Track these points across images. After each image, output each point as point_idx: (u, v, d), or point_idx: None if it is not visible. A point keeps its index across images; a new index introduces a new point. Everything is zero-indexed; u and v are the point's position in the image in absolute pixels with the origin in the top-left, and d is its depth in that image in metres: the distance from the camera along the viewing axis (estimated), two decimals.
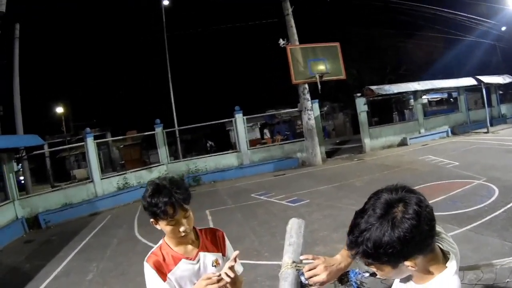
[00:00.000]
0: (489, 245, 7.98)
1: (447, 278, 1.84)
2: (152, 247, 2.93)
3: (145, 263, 2.83)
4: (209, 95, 48.06)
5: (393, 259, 1.76)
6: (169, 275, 2.80)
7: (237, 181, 23.04)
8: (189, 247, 2.94)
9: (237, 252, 2.66)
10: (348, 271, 2.34)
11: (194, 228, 3.02)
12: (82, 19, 44.69)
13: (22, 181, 24.23)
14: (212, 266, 2.96)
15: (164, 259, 2.84)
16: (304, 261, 2.33)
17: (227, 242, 3.20)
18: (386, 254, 1.72)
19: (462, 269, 1.98)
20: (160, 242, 2.97)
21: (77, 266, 11.26)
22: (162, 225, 2.75)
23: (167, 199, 2.64)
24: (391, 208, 1.75)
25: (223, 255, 3.10)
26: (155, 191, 2.69)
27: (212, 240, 3.10)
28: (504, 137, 24.73)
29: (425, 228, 1.72)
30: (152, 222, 2.81)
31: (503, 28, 42.52)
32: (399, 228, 1.69)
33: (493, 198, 11.32)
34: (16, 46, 23.37)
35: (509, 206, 10.37)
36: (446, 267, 1.88)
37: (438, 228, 1.95)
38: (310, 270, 2.26)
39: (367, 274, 2.25)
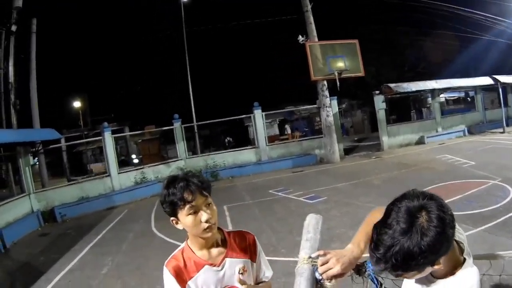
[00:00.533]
0: (502, 246, 7.97)
1: (469, 270, 1.91)
2: (169, 242, 2.82)
3: (164, 267, 2.64)
4: (228, 91, 48.07)
5: (422, 267, 1.78)
6: (189, 282, 2.61)
7: (255, 177, 23.16)
8: (214, 251, 2.71)
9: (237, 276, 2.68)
10: (365, 262, 2.32)
11: (221, 230, 2.84)
12: (102, 13, 44.79)
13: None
14: (239, 273, 2.74)
15: (185, 265, 2.64)
16: (320, 258, 2.29)
17: (259, 248, 3.00)
18: (417, 265, 1.75)
19: None
20: (182, 245, 2.77)
21: (92, 260, 11.35)
22: (182, 219, 2.55)
23: (183, 184, 2.52)
24: (415, 218, 1.75)
25: (253, 261, 2.88)
26: (171, 181, 2.57)
27: (240, 244, 2.85)
28: None
29: (450, 232, 1.76)
30: (172, 221, 2.63)
31: None
32: (427, 237, 1.70)
33: (508, 199, 11.36)
34: (33, 41, 23.57)
35: None
36: (465, 258, 1.94)
37: None
38: (322, 265, 2.22)
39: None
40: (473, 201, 11.68)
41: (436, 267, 1.79)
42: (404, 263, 1.73)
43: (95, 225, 15.96)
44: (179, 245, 2.75)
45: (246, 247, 2.87)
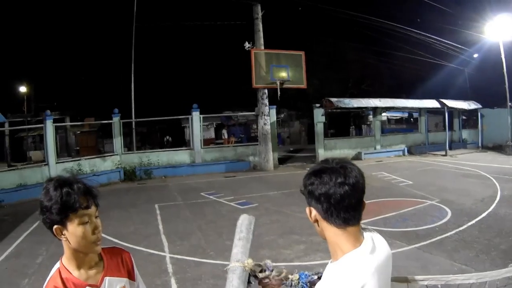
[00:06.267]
0: (437, 265, 8.17)
1: (358, 256, 1.85)
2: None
3: None
4: (168, 90, 47.82)
5: (306, 197, 2.00)
6: None
7: (188, 178, 23.23)
8: (92, 270, 2.41)
9: None
10: (298, 273, 2.40)
11: None
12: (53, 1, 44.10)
13: None
14: None
15: (64, 287, 2.30)
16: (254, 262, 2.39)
17: (135, 266, 2.70)
18: (304, 187, 2.01)
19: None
20: (57, 265, 2.41)
21: (28, 248, 11.24)
22: (72, 227, 2.24)
23: (80, 186, 2.28)
24: (321, 169, 1.98)
25: (132, 280, 2.61)
26: (64, 183, 2.26)
27: (117, 263, 2.58)
28: (462, 161, 25.23)
29: (332, 189, 1.88)
30: (56, 229, 2.25)
31: (475, 55, 43.19)
32: (317, 175, 1.94)
33: (445, 220, 11.63)
34: None
35: (461, 228, 10.67)
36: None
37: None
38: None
39: (315, 277, 2.33)
40: (407, 219, 11.95)
41: (308, 210, 2.00)
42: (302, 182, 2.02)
43: (31, 213, 15.45)
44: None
45: (124, 265, 2.61)
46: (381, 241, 2.02)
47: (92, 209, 2.32)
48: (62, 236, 2.26)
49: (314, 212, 1.96)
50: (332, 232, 1.93)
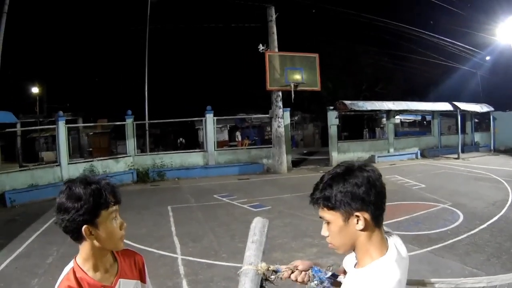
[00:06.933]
0: (449, 268, 8.11)
1: (386, 263, 1.90)
2: None
3: None
4: (182, 92, 47.77)
5: (346, 206, 1.90)
6: None
7: (201, 181, 23.15)
8: (106, 272, 2.38)
9: None
10: (312, 272, 2.40)
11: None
12: (67, 2, 44.04)
13: None
14: None
15: (79, 287, 2.24)
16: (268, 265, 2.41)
17: (146, 270, 2.68)
18: (342, 196, 1.90)
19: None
20: (71, 264, 2.33)
21: (38, 248, 11.21)
22: (104, 224, 2.21)
23: (107, 181, 2.28)
24: (351, 169, 1.95)
25: (143, 282, 2.61)
26: (89, 182, 2.22)
27: (130, 265, 2.57)
28: (474, 164, 25.00)
29: (377, 185, 1.92)
30: (85, 230, 2.16)
31: (487, 58, 42.88)
32: (354, 175, 1.90)
33: (457, 223, 11.53)
34: (3, 22, 22.95)
35: (472, 232, 10.59)
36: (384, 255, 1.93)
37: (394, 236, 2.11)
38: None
39: (329, 273, 2.34)
40: (420, 222, 11.85)
41: (358, 214, 1.88)
42: (332, 192, 1.92)
43: (42, 213, 15.57)
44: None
45: (136, 267, 2.61)
46: (402, 247, 2.08)
47: (118, 206, 2.30)
48: (91, 236, 2.20)
49: (366, 215, 1.89)
50: (369, 236, 1.94)
